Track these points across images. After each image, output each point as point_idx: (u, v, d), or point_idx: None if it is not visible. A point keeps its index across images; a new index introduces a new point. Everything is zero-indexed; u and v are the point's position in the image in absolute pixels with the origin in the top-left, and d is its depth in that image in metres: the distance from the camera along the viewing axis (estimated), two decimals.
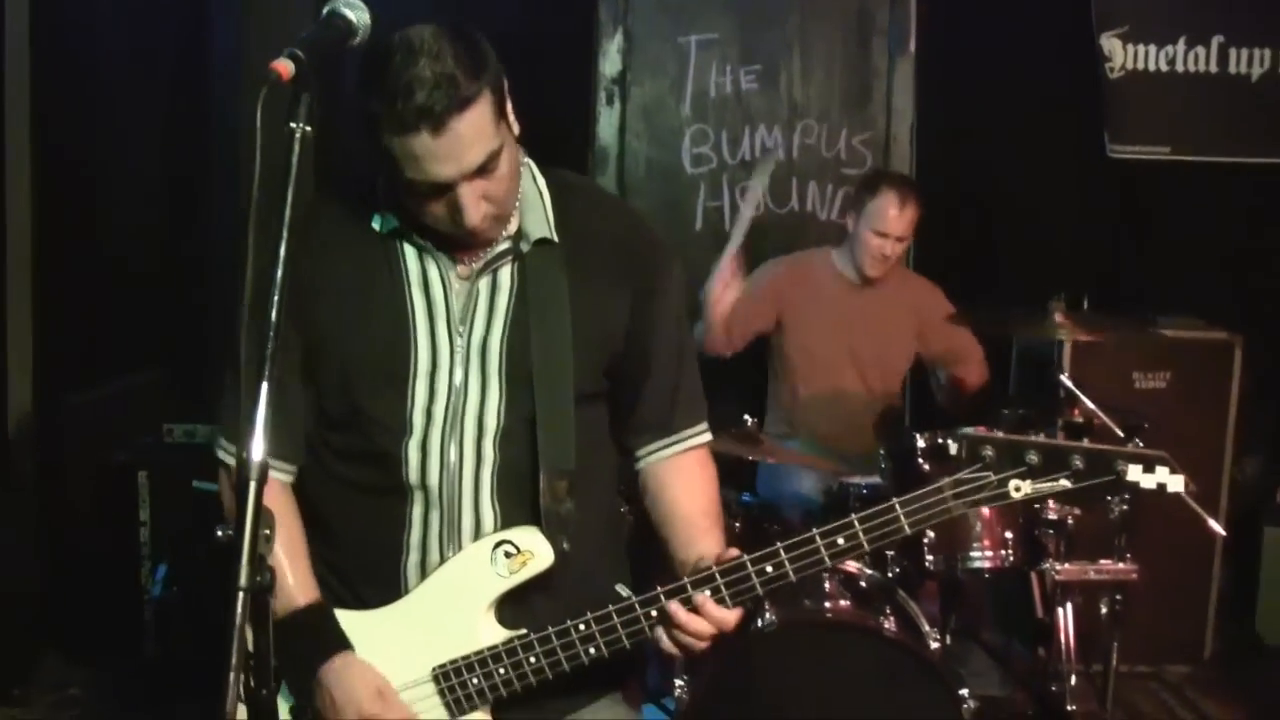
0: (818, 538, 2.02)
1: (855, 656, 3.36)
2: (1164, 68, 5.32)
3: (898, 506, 1.99)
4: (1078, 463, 1.92)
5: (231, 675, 1.39)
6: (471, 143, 1.90)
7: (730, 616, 2.05)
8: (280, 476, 2.11)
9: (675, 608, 2.02)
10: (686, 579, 2.05)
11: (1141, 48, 5.31)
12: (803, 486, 4.26)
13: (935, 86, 5.43)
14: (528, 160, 2.15)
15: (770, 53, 5.44)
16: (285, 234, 1.56)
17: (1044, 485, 1.94)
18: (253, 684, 1.48)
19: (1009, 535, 3.60)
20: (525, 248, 2.10)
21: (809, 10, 5.43)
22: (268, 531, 1.49)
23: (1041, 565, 3.58)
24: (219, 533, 1.48)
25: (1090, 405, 3.60)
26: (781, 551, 2.02)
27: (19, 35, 4.60)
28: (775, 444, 4.16)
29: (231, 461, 1.91)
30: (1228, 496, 4.84)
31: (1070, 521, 3.60)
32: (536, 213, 2.12)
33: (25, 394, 4.72)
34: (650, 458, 2.27)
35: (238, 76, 5.00)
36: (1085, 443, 1.94)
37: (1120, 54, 5.30)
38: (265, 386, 1.53)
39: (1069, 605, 3.76)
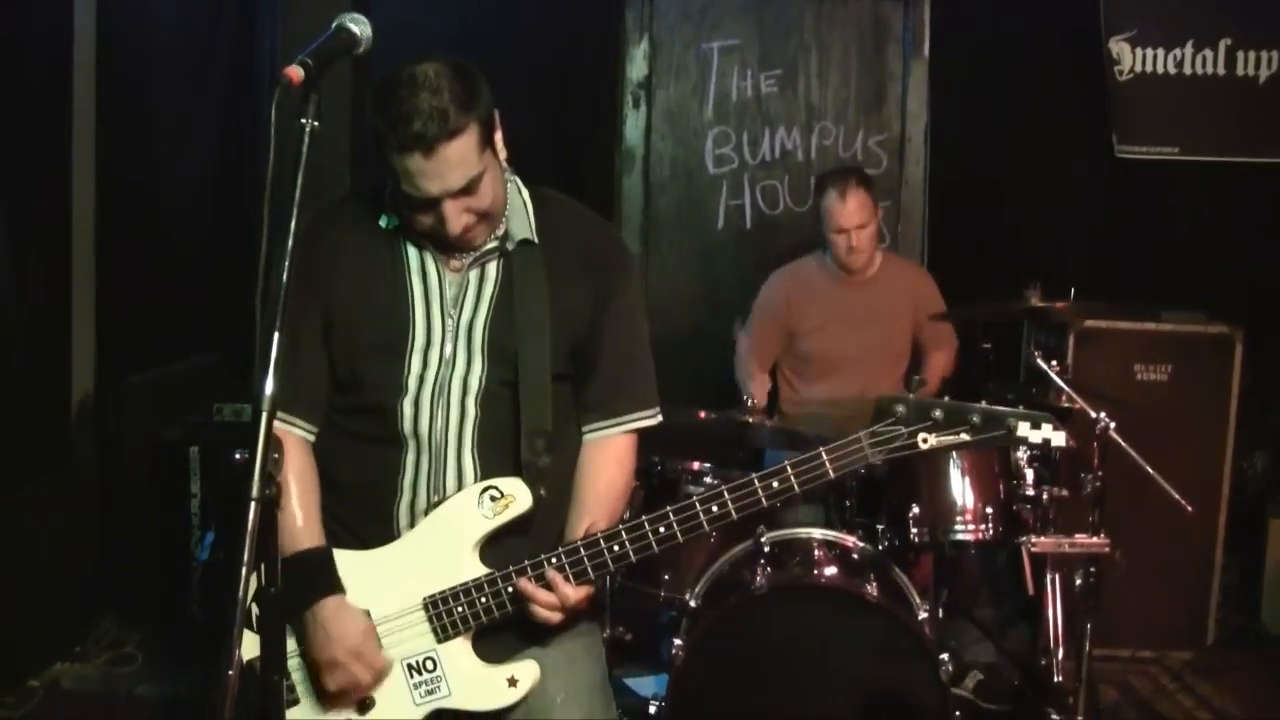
0: (755, 481, 2.33)
1: (839, 620, 3.52)
2: (1172, 70, 5.45)
3: (824, 454, 2.29)
4: (975, 419, 2.24)
5: (244, 571, 1.68)
6: (456, 166, 2.25)
7: (576, 593, 2.35)
8: (303, 434, 2.47)
9: (524, 582, 2.34)
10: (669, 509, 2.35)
11: (1150, 51, 5.44)
12: None
13: (948, 89, 5.61)
14: (514, 177, 2.50)
15: (789, 58, 5.65)
16: (295, 211, 1.86)
17: (947, 438, 2.25)
18: (262, 582, 1.77)
19: (990, 510, 3.77)
20: (510, 247, 2.46)
21: (826, 17, 5.62)
22: (277, 455, 1.78)
23: (1020, 539, 3.72)
24: (237, 455, 1.77)
25: (1060, 384, 3.78)
26: (726, 493, 2.33)
27: (86, 41, 4.82)
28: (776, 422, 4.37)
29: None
30: (1229, 488, 4.87)
31: (1046, 498, 3.76)
32: (520, 219, 2.47)
33: (87, 376, 4.92)
34: (589, 435, 2.57)
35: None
36: (983, 403, 2.23)
37: (1129, 57, 5.44)
38: (276, 336, 1.83)
39: (1056, 581, 3.87)
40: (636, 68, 5.66)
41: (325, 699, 2.42)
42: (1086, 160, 5.58)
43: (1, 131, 4.34)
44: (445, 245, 2.42)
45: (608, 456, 2.56)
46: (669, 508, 2.34)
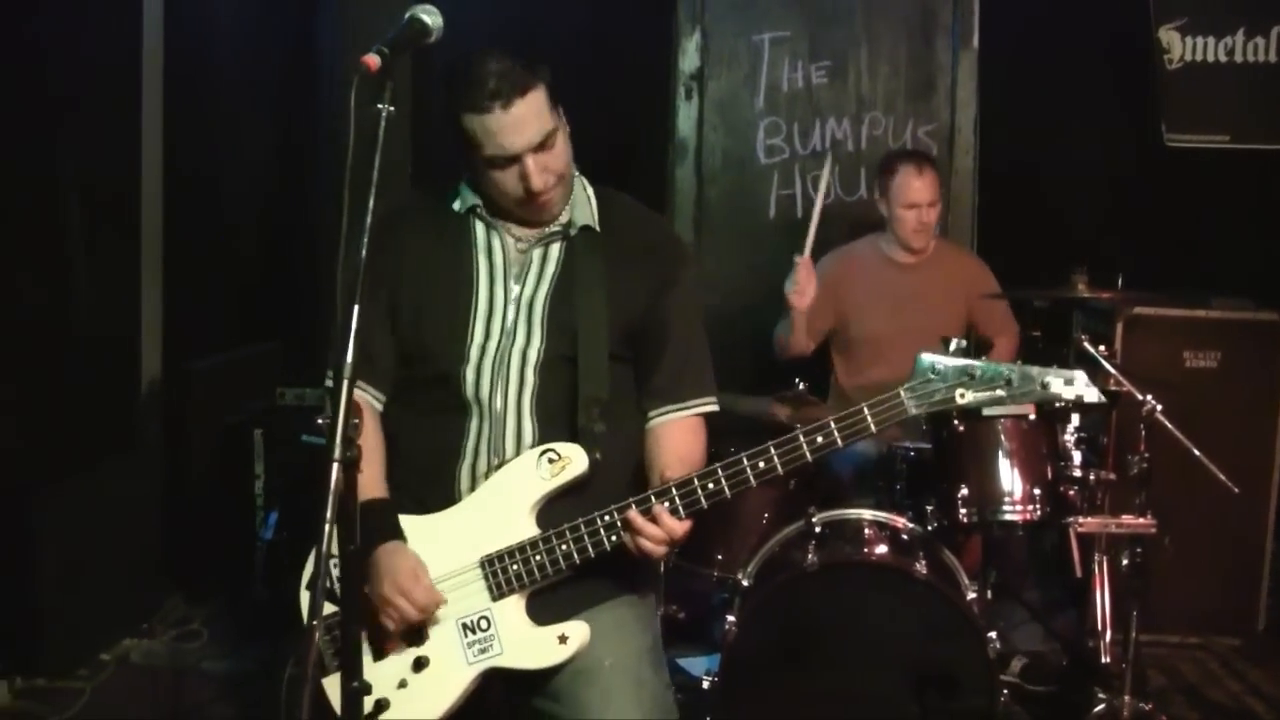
0: (800, 436, 2.40)
1: (888, 597, 3.59)
2: (1223, 58, 5.45)
3: (865, 408, 2.37)
4: (1011, 375, 2.31)
5: (326, 528, 1.78)
6: (532, 120, 2.42)
7: (679, 526, 2.42)
8: (372, 400, 2.62)
9: (633, 514, 2.41)
10: (694, 475, 2.43)
11: (1200, 39, 5.44)
12: (857, 447, 4.50)
13: (997, 78, 5.63)
14: (578, 174, 2.66)
15: (839, 49, 5.67)
16: (373, 190, 1.97)
17: (983, 393, 2.32)
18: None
19: (1038, 491, 3.81)
20: (573, 232, 2.61)
21: (875, 8, 5.65)
22: (356, 421, 1.89)
23: (1066, 519, 3.76)
24: (319, 420, 1.88)
25: (1108, 367, 3.82)
26: (772, 448, 2.41)
27: (155, 39, 4.96)
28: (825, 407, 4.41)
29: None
30: (1279, 474, 4.85)
31: (1094, 479, 3.80)
32: (584, 208, 2.64)
33: (155, 362, 5.05)
34: (656, 419, 2.67)
35: (339, 75, 5.41)
36: (1018, 363, 2.31)
37: (1179, 46, 5.45)
38: (356, 308, 1.95)
39: (1104, 563, 3.92)
40: (688, 59, 5.70)
41: (382, 655, 2.52)
42: (1135, 148, 5.60)
43: (76, 127, 4.47)
44: (527, 213, 2.57)
45: (680, 432, 2.65)
46: (770, 443, 2.41)
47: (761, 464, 2.40)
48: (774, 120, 5.75)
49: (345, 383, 1.87)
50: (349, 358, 1.91)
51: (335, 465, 1.85)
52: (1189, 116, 5.51)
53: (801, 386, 4.30)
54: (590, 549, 2.46)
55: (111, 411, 4.80)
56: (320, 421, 1.92)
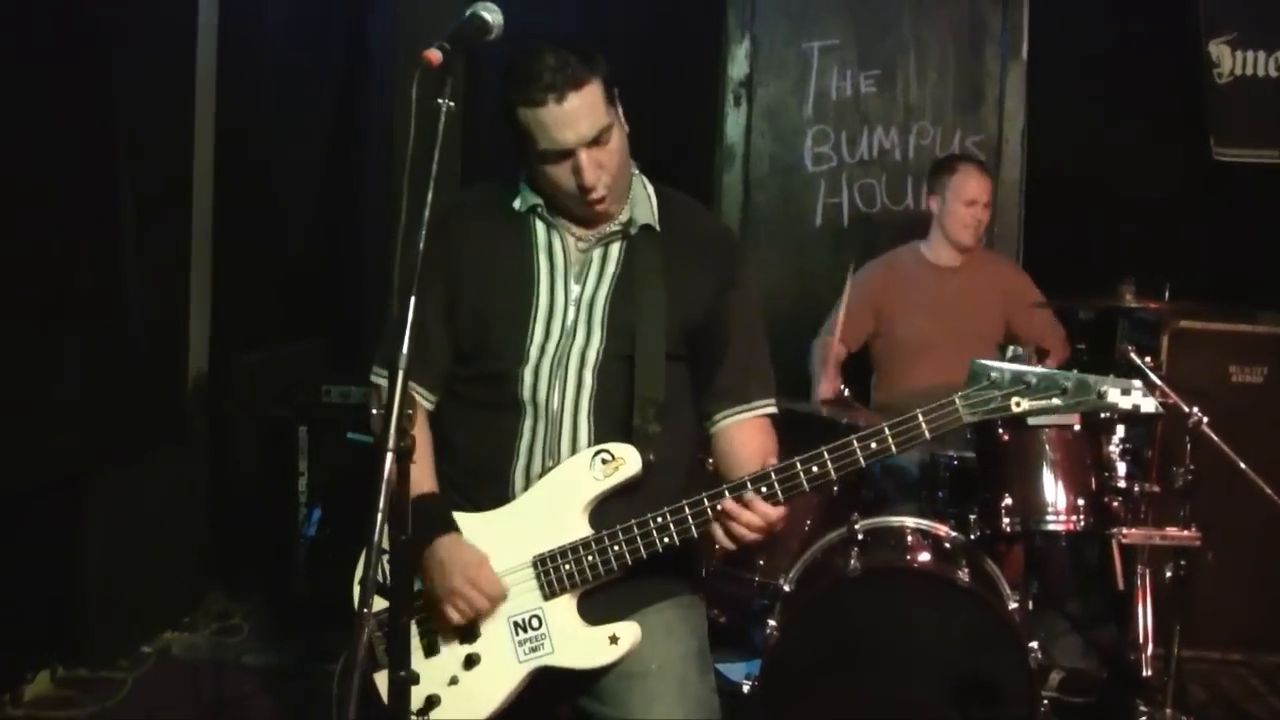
0: (854, 442, 2.39)
1: (931, 604, 3.57)
2: (1273, 73, 5.42)
3: (919, 414, 2.35)
4: (1067, 384, 2.27)
5: (379, 517, 1.79)
6: (586, 114, 2.40)
7: (775, 512, 2.40)
8: (422, 402, 2.59)
9: (729, 501, 2.39)
10: (746, 477, 2.41)
11: (1250, 53, 5.42)
12: (899, 458, 4.51)
13: (1045, 89, 5.63)
14: (638, 173, 2.66)
15: (887, 58, 5.71)
16: (432, 184, 1.98)
17: (1039, 401, 2.29)
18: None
19: (1081, 502, 3.79)
20: (633, 231, 2.59)
21: (924, 17, 5.68)
22: (410, 411, 1.90)
23: (1110, 530, 3.74)
24: (374, 411, 1.90)
25: (1154, 378, 3.80)
26: (825, 453, 2.39)
27: (209, 30, 5.01)
28: (868, 412, 4.42)
29: (382, 382, 2.46)
30: None
31: (1138, 490, 3.78)
32: (644, 207, 2.62)
33: (201, 357, 5.09)
34: (725, 421, 2.66)
35: (390, 72, 5.46)
36: (1075, 372, 2.28)
37: (1228, 60, 5.42)
38: (412, 300, 1.94)
39: (1146, 575, 3.86)
40: (738, 66, 5.74)
41: (435, 652, 2.53)
42: (1184, 162, 5.56)
43: (127, 123, 4.51)
44: (581, 211, 2.55)
45: (752, 431, 2.65)
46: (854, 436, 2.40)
47: (815, 468, 2.38)
48: (822, 128, 5.77)
49: (400, 372, 1.87)
50: (404, 348, 1.91)
51: (389, 454, 1.85)
52: (1238, 131, 5.48)
53: (846, 393, 4.30)
54: (643, 550, 2.45)
55: (158, 404, 4.83)
56: (374, 412, 1.93)
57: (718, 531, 2.41)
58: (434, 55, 2.03)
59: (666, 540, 2.44)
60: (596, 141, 2.43)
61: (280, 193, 5.48)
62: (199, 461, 5.07)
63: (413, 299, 1.94)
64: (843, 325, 4.65)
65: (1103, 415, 3.77)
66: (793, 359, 5.33)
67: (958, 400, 2.33)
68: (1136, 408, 2.25)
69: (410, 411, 1.91)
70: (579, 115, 2.39)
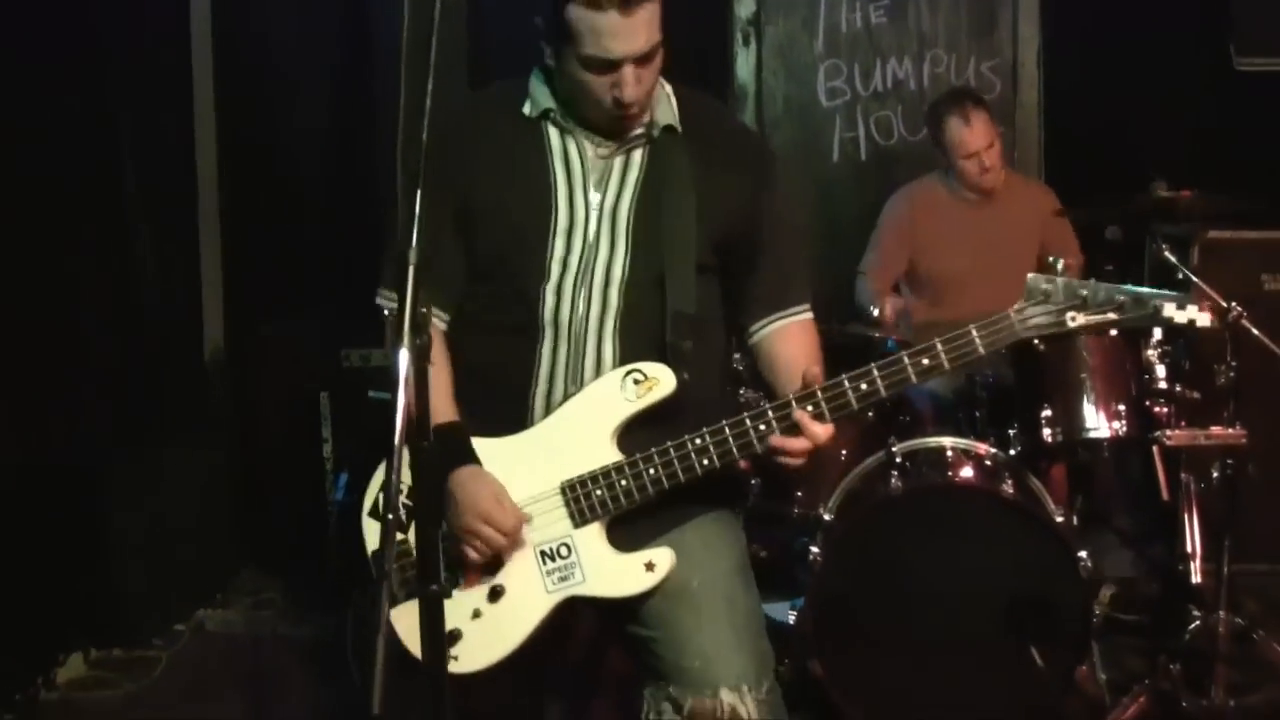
0: (905, 358, 2.29)
1: (976, 520, 3.51)
2: None
3: (973, 330, 2.27)
4: (1122, 298, 2.21)
5: (399, 416, 1.71)
6: (644, 29, 2.27)
7: (823, 431, 2.30)
8: (435, 321, 2.42)
9: (775, 428, 2.29)
10: (792, 395, 2.32)
11: None
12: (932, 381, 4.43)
13: (1060, 10, 5.50)
14: None
15: None
16: (432, 72, 1.86)
17: (1095, 316, 2.23)
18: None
19: (1122, 407, 3.70)
20: (655, 134, 2.44)
21: None
22: (425, 310, 1.79)
23: (1153, 434, 3.65)
24: (385, 311, 1.80)
25: (1190, 276, 3.70)
26: (875, 370, 2.29)
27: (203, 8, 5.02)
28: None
29: (390, 304, 2.35)
30: None
31: (1180, 389, 3.69)
32: (664, 107, 2.46)
33: (217, 329, 5.10)
34: (765, 329, 2.55)
35: (399, 38, 5.36)
36: (1129, 285, 2.22)
37: None
38: (419, 194, 1.82)
39: (1191, 484, 3.81)
40: (744, 5, 5.62)
41: (455, 584, 2.41)
42: (1205, 71, 5.44)
43: (128, 97, 4.48)
44: (608, 124, 2.41)
45: (797, 333, 2.54)
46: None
47: (864, 385, 2.29)
48: (834, 62, 5.64)
49: (411, 269, 1.76)
50: (414, 242, 1.79)
51: (403, 351, 1.74)
52: (1260, 40, 5.33)
53: (878, 312, 4.22)
54: (680, 474, 2.34)
55: (181, 382, 4.83)
56: (386, 313, 1.84)
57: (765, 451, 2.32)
58: None
59: (706, 463, 2.34)
60: (646, 59, 2.30)
61: (289, 159, 5.42)
62: (224, 437, 5.05)
63: (419, 193, 1.81)
64: (880, 265, 4.60)
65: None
66: (816, 297, 5.25)
67: (1012, 314, 2.27)
68: (1192, 321, 2.20)
69: (425, 310, 1.79)
70: (638, 29, 2.25)
